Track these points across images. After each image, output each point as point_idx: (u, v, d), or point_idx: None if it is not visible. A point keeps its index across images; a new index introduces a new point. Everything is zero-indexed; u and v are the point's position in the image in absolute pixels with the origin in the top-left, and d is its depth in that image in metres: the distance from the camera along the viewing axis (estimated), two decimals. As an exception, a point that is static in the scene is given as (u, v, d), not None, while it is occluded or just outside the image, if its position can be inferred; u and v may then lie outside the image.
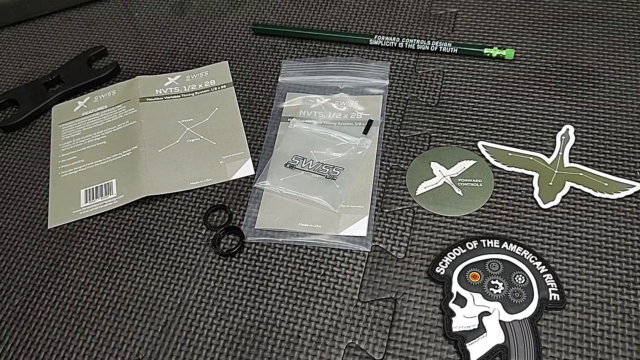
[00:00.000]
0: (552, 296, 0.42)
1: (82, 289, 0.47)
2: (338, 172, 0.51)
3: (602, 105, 0.53)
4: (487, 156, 0.51)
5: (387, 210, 0.49)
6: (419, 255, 0.46)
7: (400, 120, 0.54)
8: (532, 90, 0.54)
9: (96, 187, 0.53)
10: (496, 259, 0.45)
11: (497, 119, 0.53)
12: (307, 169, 0.51)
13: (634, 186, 0.48)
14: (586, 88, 0.54)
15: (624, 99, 0.53)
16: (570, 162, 0.50)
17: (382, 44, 0.59)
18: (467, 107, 0.54)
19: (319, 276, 0.46)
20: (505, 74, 0.56)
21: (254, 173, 0.52)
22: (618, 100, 0.53)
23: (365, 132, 0.53)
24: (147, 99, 0.58)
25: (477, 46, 0.57)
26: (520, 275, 0.44)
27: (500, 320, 0.42)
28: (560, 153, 0.50)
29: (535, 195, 0.48)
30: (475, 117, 0.53)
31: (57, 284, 0.48)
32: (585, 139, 0.51)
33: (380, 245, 0.47)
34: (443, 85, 0.56)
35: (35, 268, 0.49)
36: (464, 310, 0.42)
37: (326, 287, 0.45)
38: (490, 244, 0.45)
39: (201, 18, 0.66)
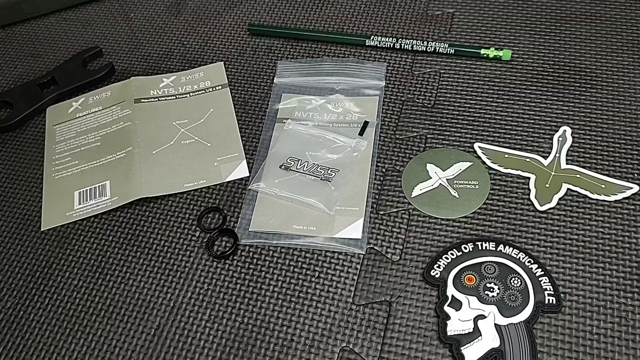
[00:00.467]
0: (548, 299, 0.42)
1: (74, 292, 0.47)
2: (333, 173, 0.50)
3: (600, 107, 0.52)
4: (484, 158, 0.50)
5: (382, 212, 0.48)
6: (414, 257, 0.46)
7: (396, 121, 0.54)
8: (529, 91, 0.54)
9: (90, 189, 0.52)
10: (492, 261, 0.44)
11: (493, 120, 0.53)
12: (302, 171, 0.51)
13: (632, 188, 0.47)
14: (583, 89, 0.54)
15: (622, 100, 0.53)
16: (567, 163, 0.49)
17: (378, 45, 0.59)
18: (463, 109, 0.54)
19: (313, 279, 0.46)
20: (502, 75, 0.56)
21: (248, 175, 0.52)
22: (615, 101, 0.53)
23: (361, 133, 0.53)
24: (142, 100, 0.58)
25: (474, 47, 0.57)
26: (516, 278, 0.43)
27: (495, 324, 0.41)
28: (557, 155, 0.50)
29: (532, 197, 0.48)
30: (472, 118, 0.53)
31: (49, 286, 0.48)
32: (583, 141, 0.50)
33: (375, 247, 0.47)
34: (439, 86, 0.55)
35: (28, 270, 0.49)
36: (459, 313, 0.42)
37: (320, 290, 0.45)
38: (486, 247, 0.45)
39: (196, 19, 0.65)
